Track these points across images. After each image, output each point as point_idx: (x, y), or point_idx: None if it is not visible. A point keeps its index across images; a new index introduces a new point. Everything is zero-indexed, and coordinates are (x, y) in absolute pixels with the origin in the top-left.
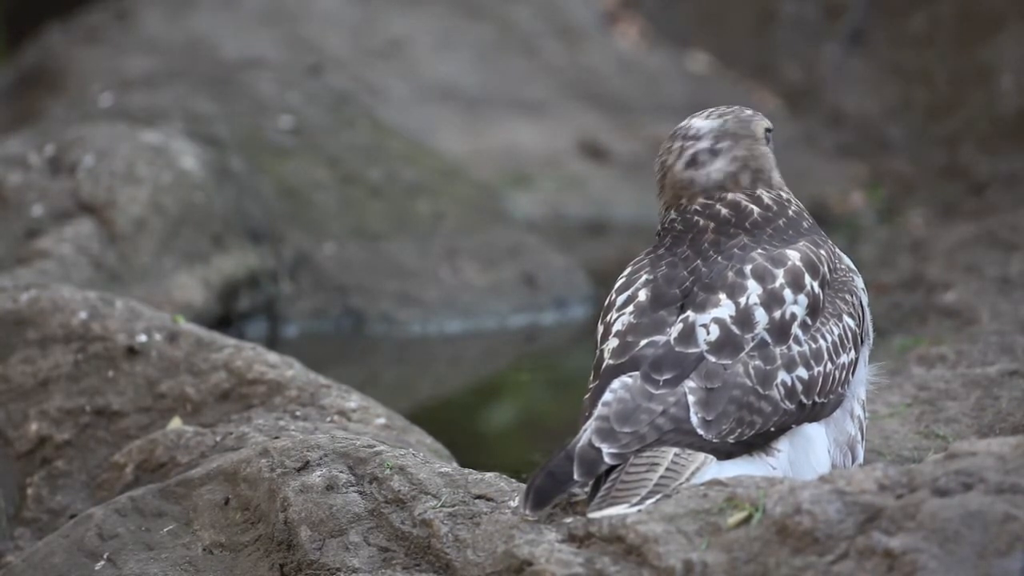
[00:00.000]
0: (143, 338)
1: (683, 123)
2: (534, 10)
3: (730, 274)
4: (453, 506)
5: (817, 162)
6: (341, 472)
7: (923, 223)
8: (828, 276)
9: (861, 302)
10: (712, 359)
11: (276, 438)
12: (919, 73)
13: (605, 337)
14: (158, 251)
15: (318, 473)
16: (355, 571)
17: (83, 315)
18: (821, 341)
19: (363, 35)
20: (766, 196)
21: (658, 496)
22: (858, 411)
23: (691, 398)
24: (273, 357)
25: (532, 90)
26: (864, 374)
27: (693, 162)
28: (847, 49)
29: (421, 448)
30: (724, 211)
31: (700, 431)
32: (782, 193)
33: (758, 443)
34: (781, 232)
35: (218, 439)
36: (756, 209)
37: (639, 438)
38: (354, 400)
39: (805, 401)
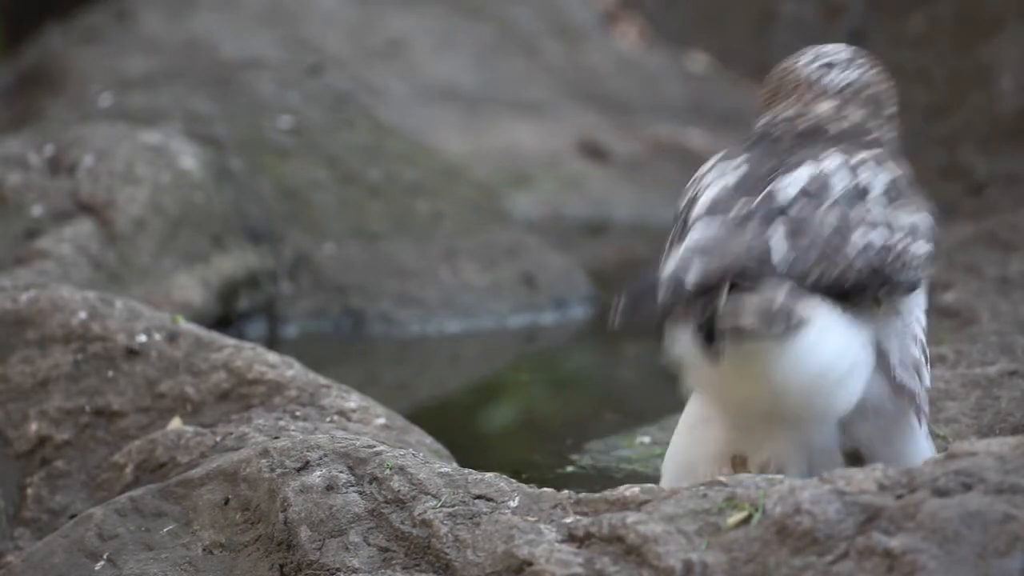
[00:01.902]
0: (143, 338)
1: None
2: (534, 10)
3: (810, 160)
4: (453, 506)
5: None
6: (341, 472)
7: None
8: (904, 183)
9: (933, 226)
10: (795, 210)
11: (276, 438)
12: (919, 73)
13: (688, 210)
14: (158, 251)
15: (318, 473)
16: (355, 571)
17: (83, 315)
18: (899, 219)
19: (363, 35)
20: (849, 119)
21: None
22: (921, 336)
23: (776, 235)
24: (273, 357)
25: (532, 90)
26: (923, 304)
27: (828, 66)
28: None
29: (421, 448)
30: (805, 125)
31: (782, 268)
32: (869, 126)
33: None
34: (857, 144)
35: (218, 439)
36: (837, 127)
37: (724, 271)
38: (354, 400)
39: (878, 268)
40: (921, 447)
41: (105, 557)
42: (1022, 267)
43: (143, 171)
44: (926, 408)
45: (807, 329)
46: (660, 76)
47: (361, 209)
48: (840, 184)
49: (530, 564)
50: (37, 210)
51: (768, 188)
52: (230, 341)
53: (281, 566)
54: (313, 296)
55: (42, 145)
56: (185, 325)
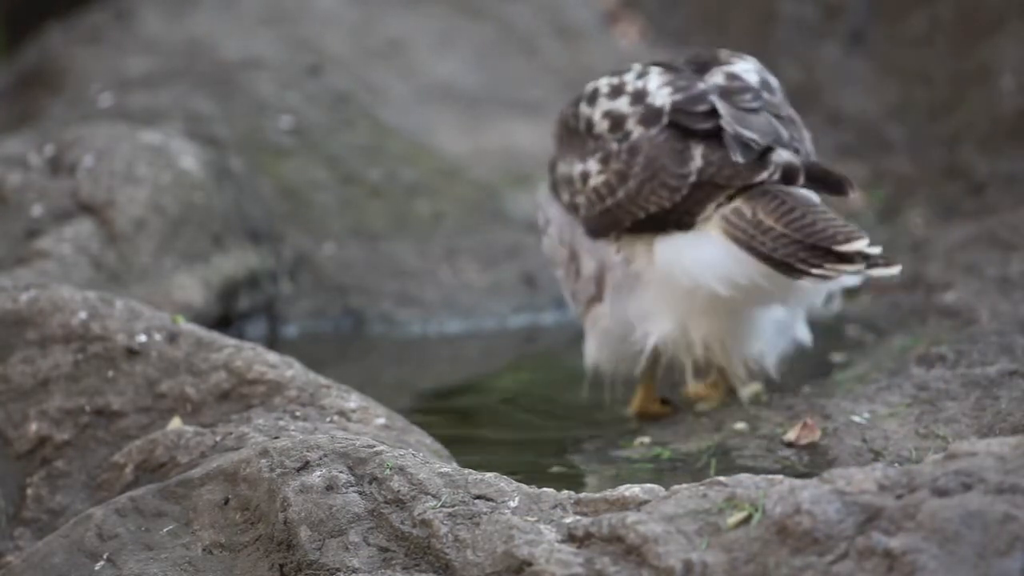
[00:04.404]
0: (143, 338)
1: None
2: (534, 10)
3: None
4: (453, 506)
5: None
6: (341, 472)
7: (923, 223)
8: None
9: None
10: (771, 103)
11: (276, 438)
12: (919, 73)
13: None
14: (158, 251)
15: (318, 473)
16: (355, 571)
17: (83, 315)
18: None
19: (363, 35)
20: None
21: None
22: None
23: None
24: (273, 357)
25: (532, 90)
26: None
27: None
28: (847, 49)
29: (421, 448)
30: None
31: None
32: None
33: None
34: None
35: (218, 439)
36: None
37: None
38: (354, 400)
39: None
40: None
41: (105, 557)
42: (1022, 267)
43: (143, 171)
44: None
45: None
46: None
47: (361, 209)
48: (773, 81)
49: (530, 564)
50: (37, 210)
51: (725, 68)
52: (230, 341)
53: (281, 566)
54: (313, 296)
55: (42, 145)
56: (185, 325)
